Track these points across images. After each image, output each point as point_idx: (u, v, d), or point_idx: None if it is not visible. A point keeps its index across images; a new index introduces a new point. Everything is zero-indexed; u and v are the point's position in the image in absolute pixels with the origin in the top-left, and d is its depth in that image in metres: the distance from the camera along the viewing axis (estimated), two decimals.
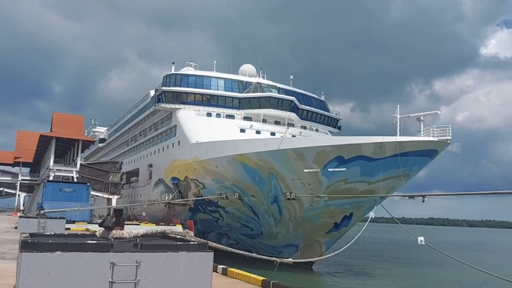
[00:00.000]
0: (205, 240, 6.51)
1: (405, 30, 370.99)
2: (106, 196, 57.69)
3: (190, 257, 5.97)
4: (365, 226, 29.43)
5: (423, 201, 20.90)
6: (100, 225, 6.75)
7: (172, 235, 7.14)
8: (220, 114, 48.10)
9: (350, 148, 30.65)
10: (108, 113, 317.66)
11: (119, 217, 6.55)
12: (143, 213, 51.16)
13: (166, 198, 47.73)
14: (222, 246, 12.37)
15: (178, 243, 6.20)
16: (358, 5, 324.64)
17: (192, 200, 44.07)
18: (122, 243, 6.17)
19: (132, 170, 66.65)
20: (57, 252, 5.43)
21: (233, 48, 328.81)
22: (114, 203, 57.51)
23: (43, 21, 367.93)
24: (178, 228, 36.26)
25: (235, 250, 15.16)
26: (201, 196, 43.02)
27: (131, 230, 6.73)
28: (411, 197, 22.23)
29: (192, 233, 7.63)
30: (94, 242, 5.75)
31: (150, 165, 58.60)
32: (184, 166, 45.21)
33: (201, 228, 43.94)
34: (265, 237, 39.51)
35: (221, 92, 48.91)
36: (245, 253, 16.68)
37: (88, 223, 37.14)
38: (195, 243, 6.15)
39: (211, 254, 6.16)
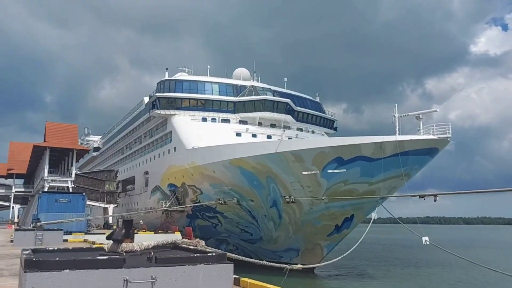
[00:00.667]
0: (223, 251, 6.06)
1: (395, 30, 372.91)
2: (103, 205, 57.06)
3: (209, 270, 5.54)
4: (369, 227, 29.04)
5: (434, 201, 20.67)
6: (109, 237, 6.24)
7: (185, 245, 6.70)
8: (215, 119, 47.72)
9: (350, 148, 30.30)
10: (101, 121, 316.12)
11: (128, 229, 6.08)
12: (140, 221, 50.43)
13: (164, 205, 47.23)
14: (232, 255, 11.92)
15: (195, 255, 5.74)
16: (348, 6, 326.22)
17: (190, 206, 43.58)
18: (134, 257, 5.70)
19: (128, 178, 66.00)
20: (65, 270, 4.96)
21: (225, 53, 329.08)
22: (110, 212, 56.82)
23: (32, 30, 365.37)
24: (178, 235, 35.76)
25: (245, 259, 14.72)
26: (199, 202, 42.54)
27: (141, 242, 6.26)
28: (421, 196, 21.95)
29: (203, 242, 7.18)
30: (105, 258, 5.27)
31: (146, 173, 58.03)
32: (181, 172, 44.71)
33: (200, 234, 43.27)
34: (265, 241, 39.05)
35: (216, 97, 48.57)
36: (256, 261, 16.26)
37: (86, 233, 36.49)
38: (214, 254, 5.69)
39: (231, 265, 5.73)
